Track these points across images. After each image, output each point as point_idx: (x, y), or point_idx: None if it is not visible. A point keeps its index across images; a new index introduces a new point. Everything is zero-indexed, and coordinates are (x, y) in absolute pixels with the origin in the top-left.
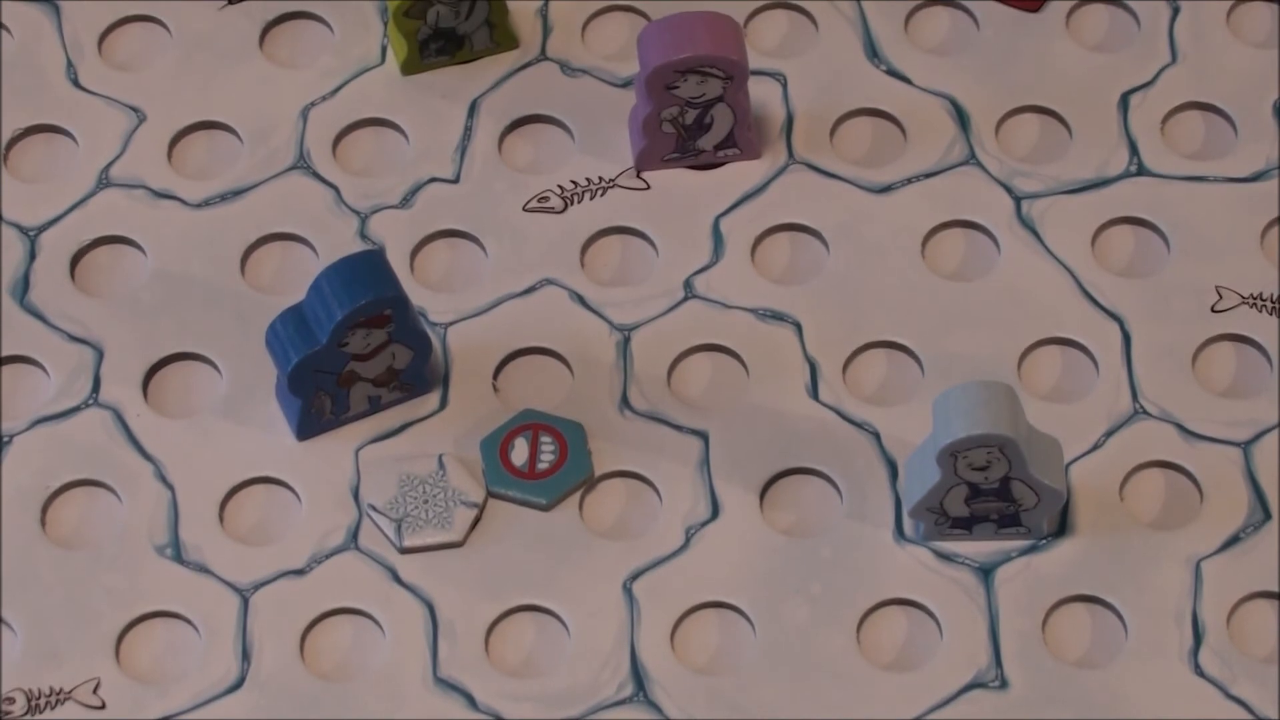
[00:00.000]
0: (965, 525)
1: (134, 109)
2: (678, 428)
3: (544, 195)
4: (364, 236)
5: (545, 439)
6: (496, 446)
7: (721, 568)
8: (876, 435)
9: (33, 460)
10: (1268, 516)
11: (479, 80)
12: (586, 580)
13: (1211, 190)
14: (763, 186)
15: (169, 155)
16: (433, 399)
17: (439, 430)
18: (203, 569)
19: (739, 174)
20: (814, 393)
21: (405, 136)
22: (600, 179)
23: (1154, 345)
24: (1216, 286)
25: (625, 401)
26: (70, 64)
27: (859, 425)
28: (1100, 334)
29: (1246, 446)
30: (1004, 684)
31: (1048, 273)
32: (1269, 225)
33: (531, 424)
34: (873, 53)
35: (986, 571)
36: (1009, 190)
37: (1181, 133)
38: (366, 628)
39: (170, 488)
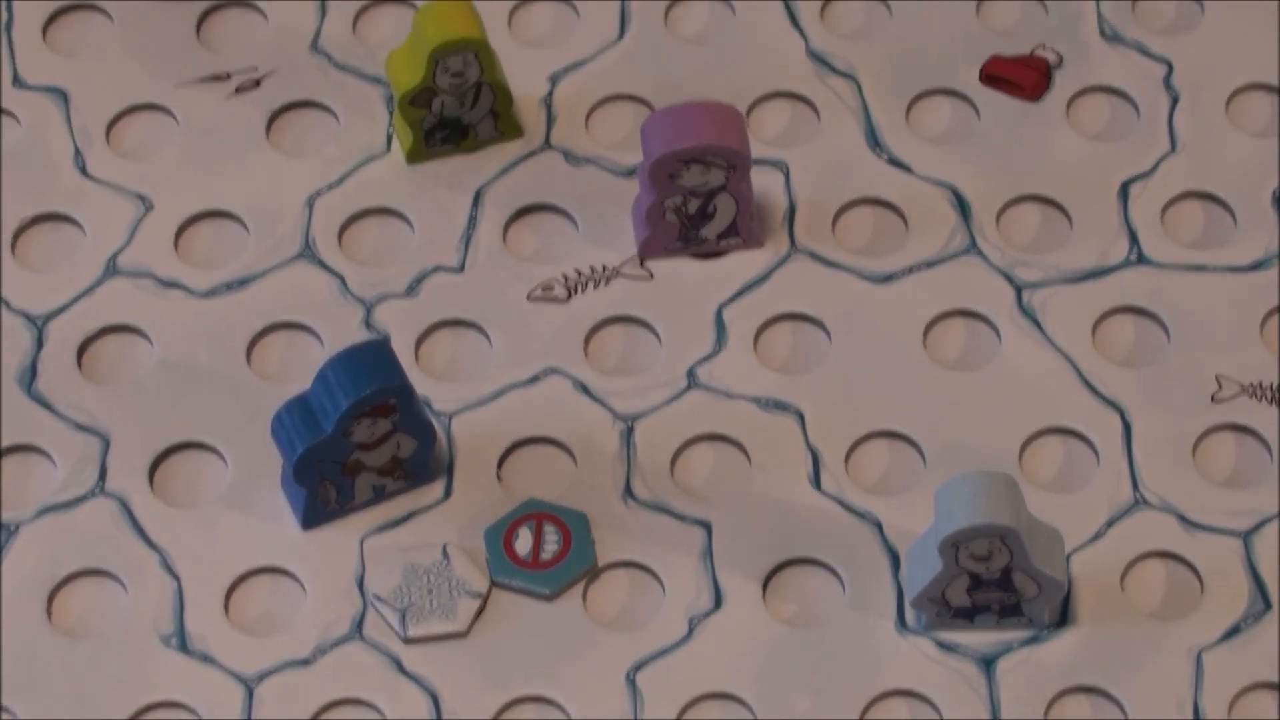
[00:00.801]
0: (967, 615)
1: (141, 197)
2: (681, 517)
3: (548, 284)
4: (369, 325)
5: (549, 528)
6: (500, 536)
7: (724, 658)
8: (878, 525)
9: (39, 549)
10: (1268, 607)
11: (484, 169)
12: (590, 671)
13: (1211, 279)
14: (765, 275)
15: (175, 244)
16: (437, 488)
17: (443, 520)
18: (208, 659)
19: (742, 263)
20: (816, 482)
21: (410, 225)
22: (604, 268)
23: (1154, 435)
24: (1217, 376)
25: (629, 491)
26: (78, 152)
27: (861, 515)
28: (1101, 423)
29: (1247, 536)
30: None
31: (1048, 362)
32: (1269, 314)
33: (535, 513)
34: (874, 141)
35: (988, 662)
36: (1010, 279)
37: (1181, 222)
38: (371, 718)
39: (176, 577)
